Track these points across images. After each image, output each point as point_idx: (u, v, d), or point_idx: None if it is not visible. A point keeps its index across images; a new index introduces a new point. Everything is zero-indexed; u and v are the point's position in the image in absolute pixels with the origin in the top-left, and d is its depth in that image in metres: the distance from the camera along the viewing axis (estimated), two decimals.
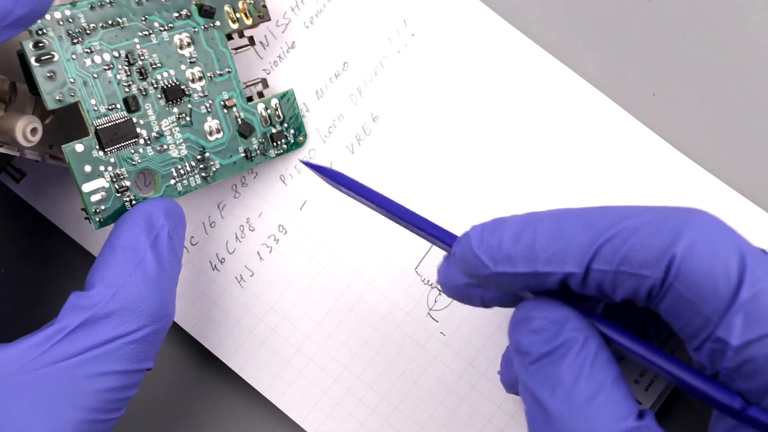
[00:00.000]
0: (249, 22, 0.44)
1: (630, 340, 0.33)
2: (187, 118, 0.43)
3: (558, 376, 0.33)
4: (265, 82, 0.46)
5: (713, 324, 0.31)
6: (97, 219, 0.41)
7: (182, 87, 0.42)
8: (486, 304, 0.37)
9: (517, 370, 0.35)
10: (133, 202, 0.41)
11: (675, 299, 0.31)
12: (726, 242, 0.31)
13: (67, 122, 0.43)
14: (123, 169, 0.41)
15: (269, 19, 0.44)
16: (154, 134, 0.42)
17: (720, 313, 0.30)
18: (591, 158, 0.46)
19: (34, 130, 0.40)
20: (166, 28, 0.42)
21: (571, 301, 0.34)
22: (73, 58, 0.39)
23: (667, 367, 0.32)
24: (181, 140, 0.43)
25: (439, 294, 0.46)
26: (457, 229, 0.45)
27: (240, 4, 0.43)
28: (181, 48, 0.42)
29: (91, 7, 0.40)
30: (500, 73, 0.47)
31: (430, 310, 0.46)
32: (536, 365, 0.33)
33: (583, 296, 0.34)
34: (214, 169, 0.44)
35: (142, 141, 0.41)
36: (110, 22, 0.40)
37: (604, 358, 0.33)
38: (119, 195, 0.41)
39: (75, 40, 0.39)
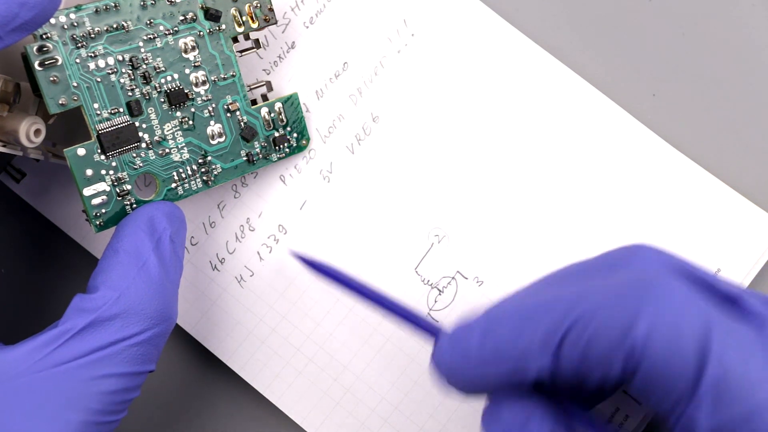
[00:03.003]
0: (255, 25, 0.43)
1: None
2: (190, 122, 0.42)
3: None
4: (269, 85, 0.45)
5: (683, 404, 0.30)
6: (98, 222, 0.41)
7: (186, 91, 0.42)
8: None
9: None
10: (134, 205, 0.41)
11: (642, 382, 0.31)
12: (686, 320, 0.30)
13: (71, 120, 0.43)
14: (124, 173, 0.41)
15: (276, 23, 0.44)
16: (156, 138, 0.42)
17: (687, 396, 0.30)
18: (591, 158, 0.46)
19: (37, 132, 0.40)
20: (171, 31, 0.41)
21: (548, 393, 0.34)
22: (77, 62, 0.39)
23: None
24: (183, 144, 0.42)
25: (439, 294, 0.46)
26: (457, 227, 0.46)
27: (246, 8, 0.43)
28: (185, 52, 0.42)
29: (96, 11, 0.39)
30: (500, 73, 0.47)
31: (430, 310, 0.46)
32: None
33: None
34: (215, 172, 0.43)
35: (144, 145, 0.41)
36: (115, 26, 0.40)
37: None
38: (120, 198, 0.41)
39: (79, 44, 0.39)
